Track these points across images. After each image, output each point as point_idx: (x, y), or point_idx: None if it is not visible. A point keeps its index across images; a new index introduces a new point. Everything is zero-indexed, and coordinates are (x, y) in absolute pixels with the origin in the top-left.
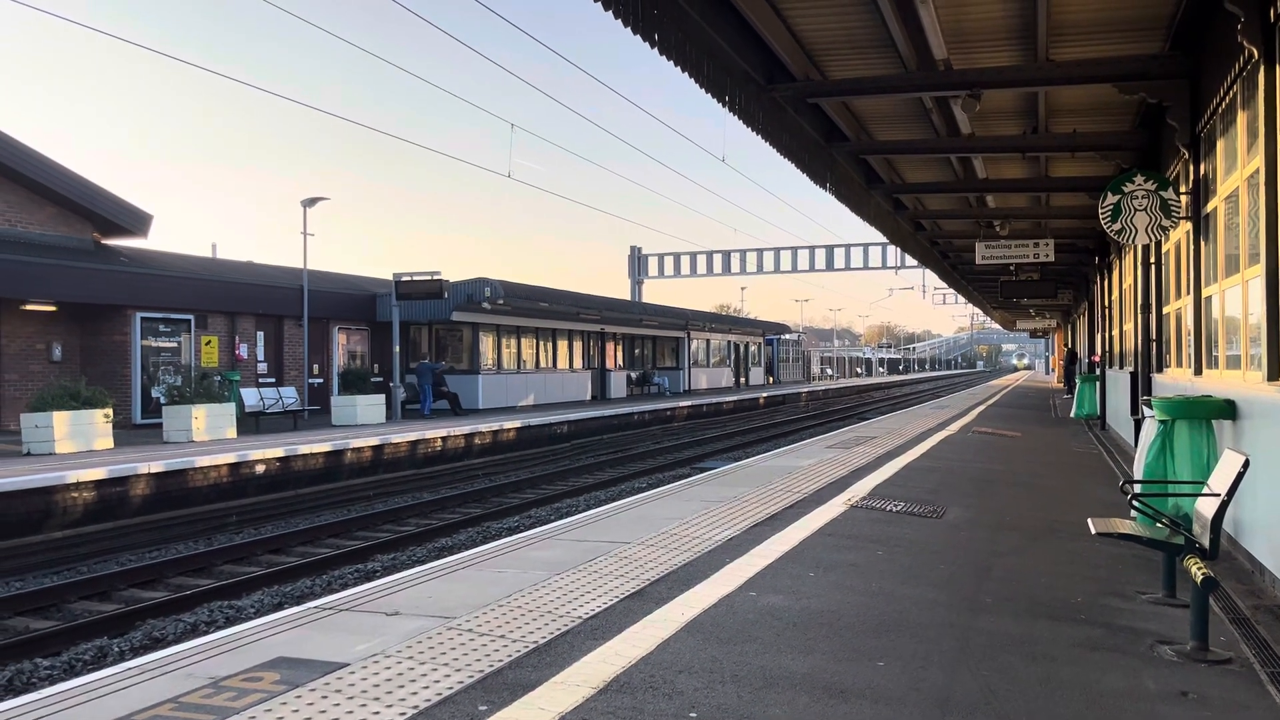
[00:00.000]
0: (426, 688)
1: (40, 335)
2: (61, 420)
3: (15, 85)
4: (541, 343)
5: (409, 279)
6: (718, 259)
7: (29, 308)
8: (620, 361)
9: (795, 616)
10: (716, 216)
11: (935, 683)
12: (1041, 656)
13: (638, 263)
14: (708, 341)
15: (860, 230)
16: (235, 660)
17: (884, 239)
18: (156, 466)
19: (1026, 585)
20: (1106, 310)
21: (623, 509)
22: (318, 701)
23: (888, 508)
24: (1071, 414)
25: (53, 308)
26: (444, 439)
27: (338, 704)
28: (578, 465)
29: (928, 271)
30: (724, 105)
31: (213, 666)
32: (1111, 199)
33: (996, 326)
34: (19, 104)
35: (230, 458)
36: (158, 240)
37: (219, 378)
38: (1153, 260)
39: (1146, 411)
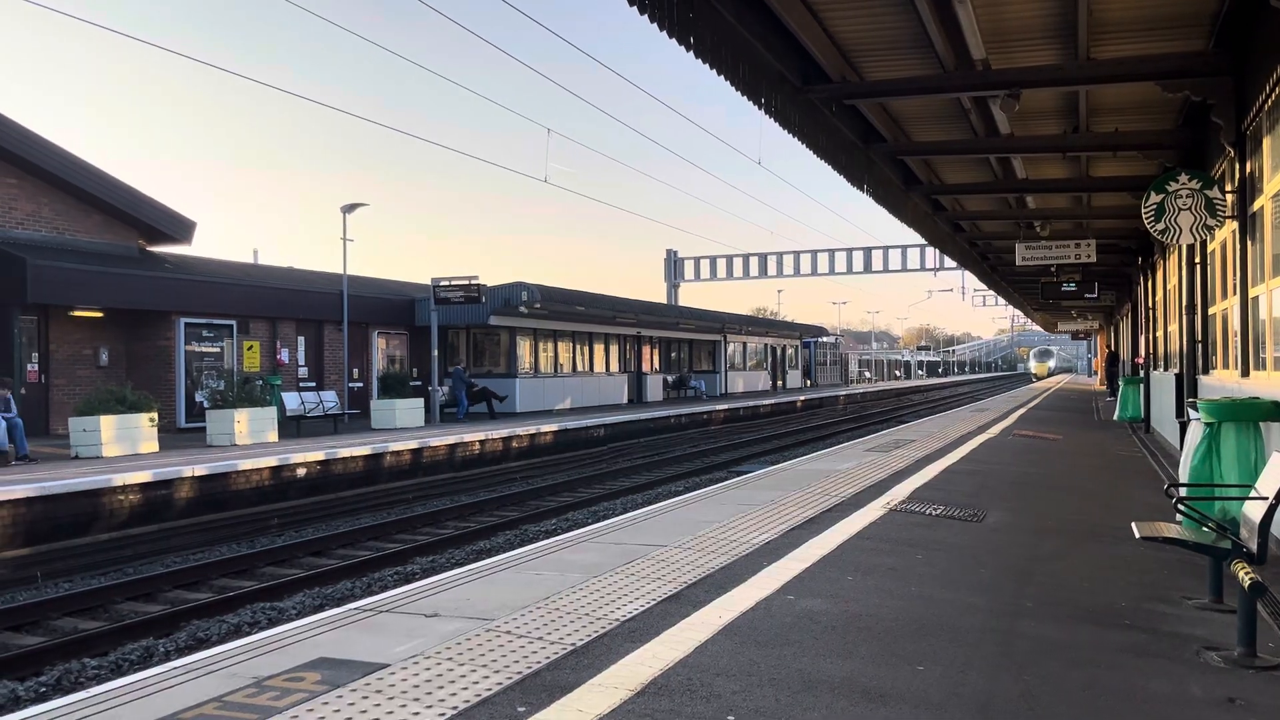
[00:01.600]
0: (465, 689)
1: (88, 341)
2: (108, 424)
3: (58, 93)
4: (578, 346)
5: (447, 283)
6: (754, 262)
7: (77, 314)
8: (656, 365)
9: (834, 620)
10: (753, 219)
11: (976, 688)
12: (1084, 662)
13: (674, 266)
14: (744, 345)
15: (898, 232)
16: (278, 660)
17: (923, 241)
18: (200, 470)
19: (1069, 589)
20: (1150, 311)
21: (660, 512)
22: (359, 702)
23: (927, 511)
24: (1114, 417)
25: (100, 314)
26: (482, 442)
27: (378, 704)
28: (614, 469)
29: (967, 273)
30: (760, 107)
31: (256, 666)
32: (1155, 198)
33: (1037, 328)
34: (61, 111)
35: (272, 461)
36: (200, 247)
37: (261, 382)
38: (1197, 260)
39: (1192, 414)
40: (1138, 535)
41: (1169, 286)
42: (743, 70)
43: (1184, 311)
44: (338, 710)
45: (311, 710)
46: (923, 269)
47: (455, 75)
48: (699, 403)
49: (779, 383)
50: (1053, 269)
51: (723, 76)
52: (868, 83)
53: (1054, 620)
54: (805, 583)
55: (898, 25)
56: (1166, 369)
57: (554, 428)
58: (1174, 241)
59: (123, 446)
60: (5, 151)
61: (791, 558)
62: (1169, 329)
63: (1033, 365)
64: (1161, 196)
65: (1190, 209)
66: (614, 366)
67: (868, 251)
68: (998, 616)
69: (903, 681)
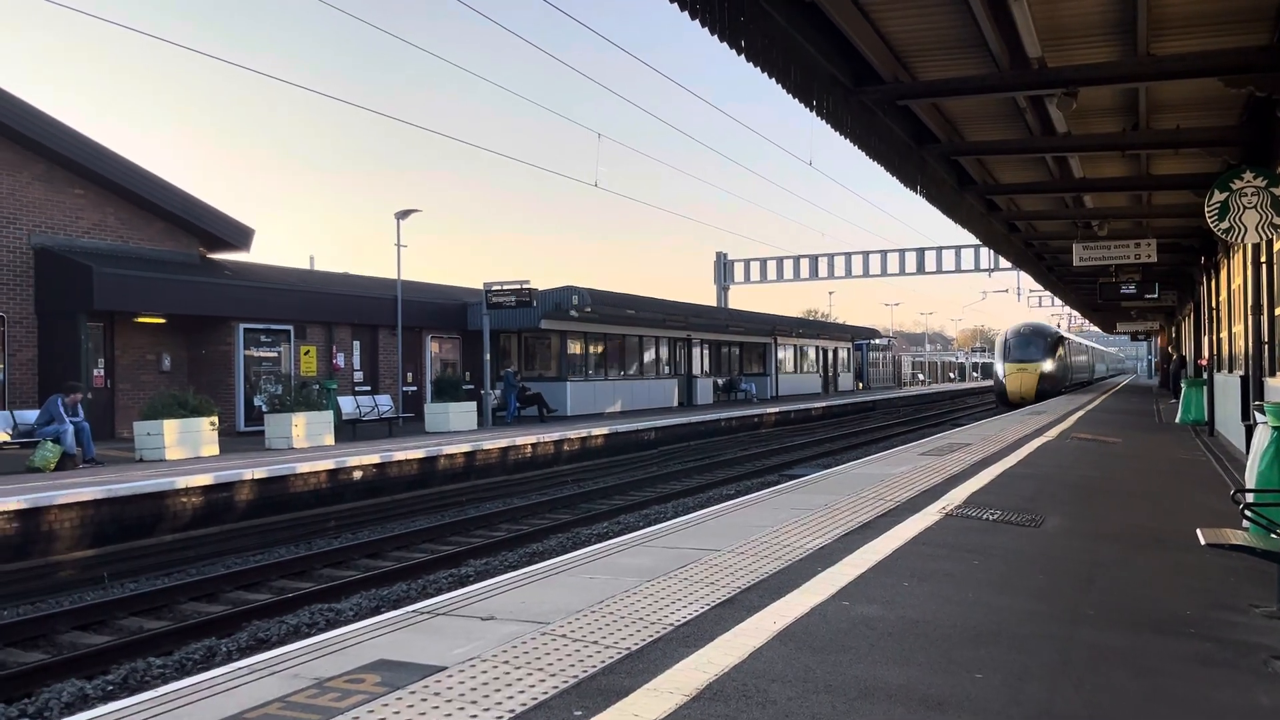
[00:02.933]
0: (522, 692)
1: (150, 346)
2: (171, 428)
3: (116, 100)
4: (628, 349)
5: (499, 288)
6: (805, 263)
7: (141, 320)
8: (706, 368)
9: (890, 626)
10: (804, 221)
11: (1036, 696)
12: (1148, 670)
13: (724, 268)
14: (795, 347)
15: (952, 232)
16: (338, 662)
17: (976, 241)
18: (260, 473)
19: (1131, 597)
20: (1214, 312)
21: (712, 516)
22: (417, 704)
23: (984, 516)
24: (1176, 419)
25: (162, 320)
26: (533, 445)
27: (436, 706)
28: (665, 472)
29: (1022, 274)
30: (811, 109)
31: (317, 668)
32: (1219, 197)
33: (1095, 329)
34: (118, 117)
35: (329, 464)
36: (256, 253)
37: (317, 386)
38: (1263, 260)
39: (1259, 417)
40: (1203, 542)
41: (1233, 286)
42: (794, 73)
43: (1249, 312)
44: (397, 712)
45: (372, 712)
46: (977, 270)
47: (504, 81)
48: (749, 406)
49: (831, 386)
50: (1111, 269)
51: (774, 79)
52: (920, 83)
53: (1116, 628)
54: (860, 588)
55: (950, 24)
56: (1231, 371)
57: (605, 431)
58: (1238, 240)
59: (185, 450)
60: (72, 163)
61: (846, 563)
62: (1233, 330)
63: (1000, 367)
64: (1225, 195)
65: (1255, 207)
66: (664, 370)
67: (920, 252)
68: (1057, 624)
69: (961, 689)
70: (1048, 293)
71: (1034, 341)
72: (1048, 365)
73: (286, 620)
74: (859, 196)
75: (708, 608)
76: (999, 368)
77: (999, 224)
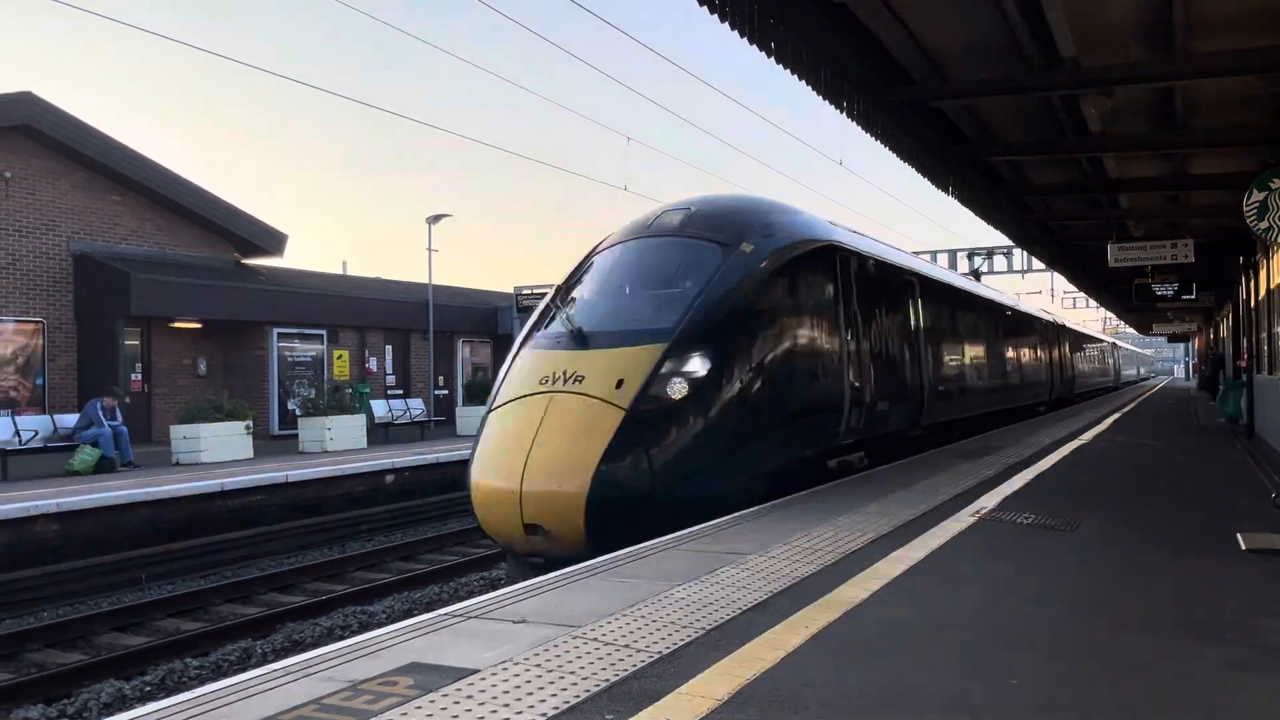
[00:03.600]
0: (554, 695)
1: (187, 351)
2: (207, 432)
3: (149, 108)
4: None
5: (529, 291)
6: None
7: (177, 325)
8: None
9: (923, 631)
10: (835, 220)
11: (1073, 702)
12: (1187, 677)
13: None
14: None
15: (983, 232)
16: (371, 664)
17: (1009, 242)
18: (294, 476)
19: (1169, 602)
20: (1253, 312)
21: (743, 520)
22: (450, 707)
23: (1018, 520)
24: (1215, 421)
25: (198, 325)
26: None
27: (469, 709)
28: None
29: (1056, 274)
30: (842, 111)
31: (350, 670)
32: (1257, 196)
33: (1131, 330)
34: (150, 125)
35: (361, 467)
36: (289, 257)
37: (350, 390)
38: None
39: None
40: (1244, 547)
41: (1273, 286)
42: (824, 75)
43: None
44: (430, 715)
45: (405, 714)
46: (1010, 271)
47: (533, 85)
48: None
49: None
50: (1147, 270)
51: (804, 81)
52: (952, 84)
53: (1154, 634)
54: (893, 593)
55: (983, 25)
56: (1272, 372)
57: None
58: (1277, 240)
59: (220, 453)
60: (111, 171)
61: (879, 567)
62: (1274, 330)
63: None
64: (1264, 194)
65: None
66: None
67: (953, 254)
68: (1094, 629)
69: (996, 695)
70: (1082, 294)
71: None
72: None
73: (320, 622)
74: (891, 196)
75: (739, 611)
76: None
77: (1031, 225)
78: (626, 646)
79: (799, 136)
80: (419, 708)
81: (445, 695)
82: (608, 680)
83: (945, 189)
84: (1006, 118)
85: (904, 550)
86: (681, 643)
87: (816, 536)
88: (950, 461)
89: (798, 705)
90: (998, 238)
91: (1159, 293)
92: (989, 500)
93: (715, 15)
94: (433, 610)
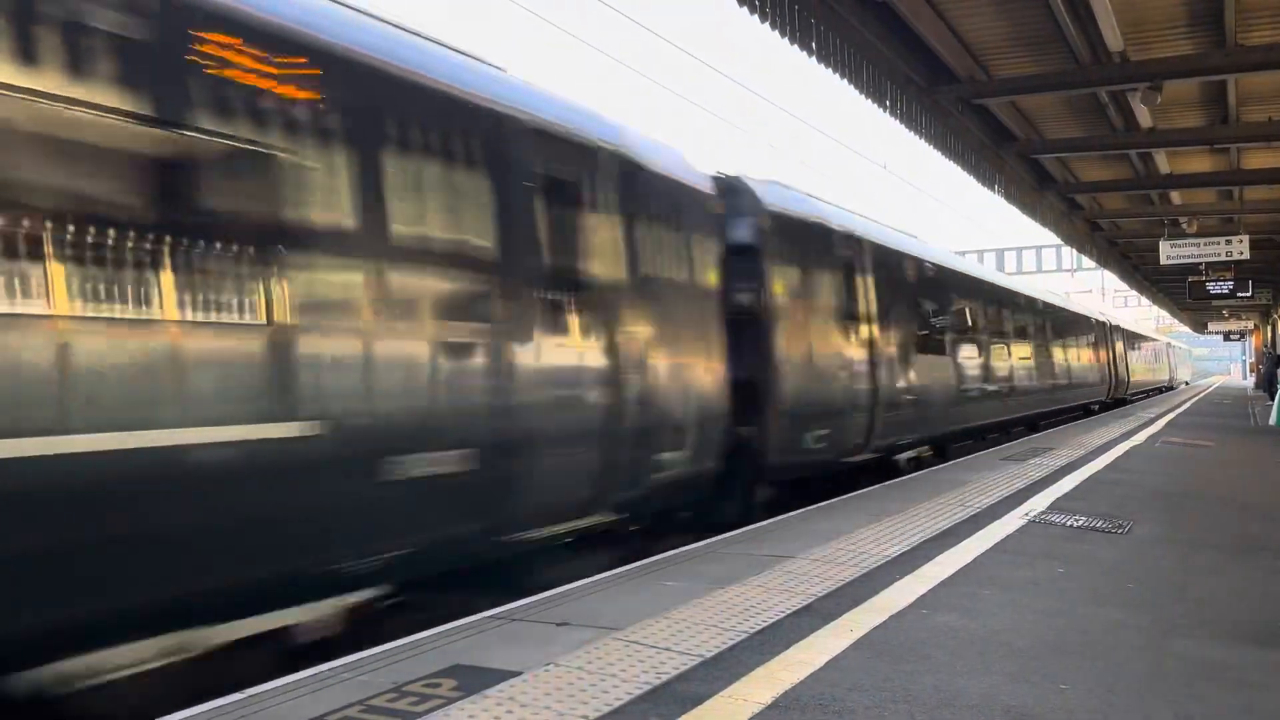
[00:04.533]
0: (596, 698)
1: None
2: None
3: None
4: None
5: None
6: None
7: None
8: None
9: (970, 635)
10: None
11: (1125, 709)
12: (1243, 684)
13: None
14: None
15: (1032, 232)
16: (415, 666)
17: (1057, 241)
18: None
19: (1226, 607)
20: None
21: (785, 523)
22: (493, 709)
23: (1068, 523)
24: (1270, 422)
25: None
26: None
27: (511, 711)
28: None
29: (1106, 273)
30: (884, 110)
31: (395, 672)
32: None
33: (1185, 329)
34: None
35: None
36: None
37: None
38: None
39: None
40: None
41: None
42: (867, 74)
43: None
44: (473, 716)
45: (448, 716)
46: (1059, 270)
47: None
48: None
49: None
50: (1201, 267)
51: (846, 81)
52: (997, 81)
53: (1209, 639)
54: (939, 596)
55: (1029, 20)
56: None
57: None
58: None
59: None
60: None
61: (924, 570)
62: None
63: None
64: None
65: None
66: None
67: (1000, 253)
68: (1147, 634)
69: (1046, 701)
70: (1134, 292)
71: None
72: None
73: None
74: (935, 199)
75: (783, 615)
76: None
77: (1081, 223)
78: (668, 649)
79: (842, 140)
80: (462, 709)
81: (488, 697)
82: (650, 683)
83: (992, 187)
84: (1054, 115)
85: (951, 553)
86: (724, 646)
87: (860, 539)
88: (997, 463)
89: (843, 710)
90: (1047, 236)
91: (1213, 290)
92: (1039, 502)
93: (755, 16)
94: (475, 613)
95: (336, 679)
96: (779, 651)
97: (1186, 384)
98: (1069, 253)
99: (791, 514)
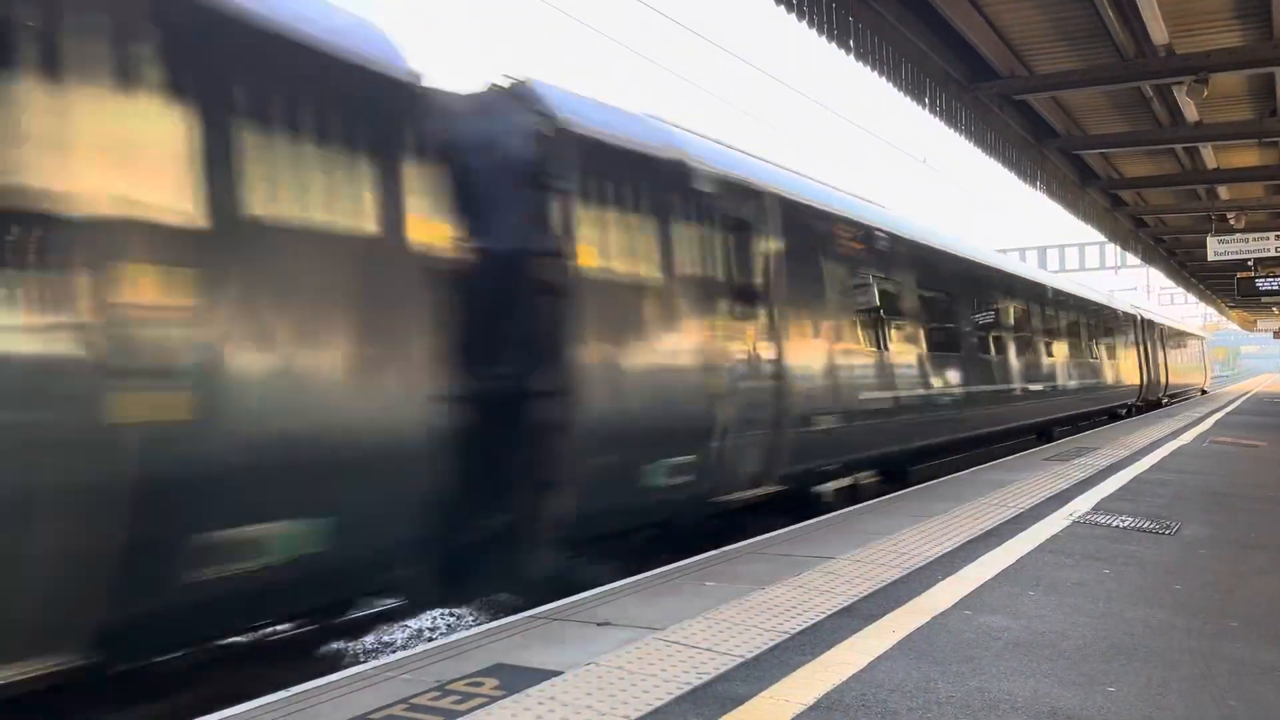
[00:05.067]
0: (636, 698)
1: None
2: None
3: None
4: None
5: None
6: None
7: None
8: None
9: (1015, 637)
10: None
11: (1175, 712)
12: None
13: None
14: None
15: (1074, 229)
16: (458, 666)
17: (1100, 238)
18: None
19: (1276, 610)
20: None
21: (826, 523)
22: (535, 708)
23: (1114, 523)
24: None
25: None
26: None
27: (553, 710)
28: None
29: (1151, 270)
30: (924, 107)
31: (438, 671)
32: None
33: (1234, 326)
34: None
35: None
36: None
37: None
38: None
39: None
40: None
41: None
42: (905, 71)
43: None
44: (515, 715)
45: (490, 715)
46: (1103, 268)
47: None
48: None
49: None
50: (1250, 263)
51: (884, 78)
52: (1038, 76)
53: (1262, 641)
54: (983, 597)
55: (1070, 13)
56: None
57: None
58: None
59: None
60: None
61: (968, 571)
62: None
63: None
64: None
65: None
66: None
67: (1042, 250)
68: (1197, 636)
69: (1093, 704)
70: (1180, 289)
71: None
72: None
73: (409, 625)
74: (974, 196)
75: (824, 616)
76: None
77: (1125, 219)
78: (709, 650)
79: (881, 136)
80: (504, 708)
81: (530, 696)
82: (690, 684)
83: (1033, 184)
84: (1097, 109)
85: (995, 553)
86: (765, 646)
87: (901, 540)
88: (1041, 463)
89: (886, 711)
90: (1090, 234)
91: (1263, 287)
92: (1083, 502)
93: (793, 14)
94: (518, 613)
95: (381, 677)
96: (820, 652)
97: (1203, 392)
98: (1111, 250)
99: (833, 515)
